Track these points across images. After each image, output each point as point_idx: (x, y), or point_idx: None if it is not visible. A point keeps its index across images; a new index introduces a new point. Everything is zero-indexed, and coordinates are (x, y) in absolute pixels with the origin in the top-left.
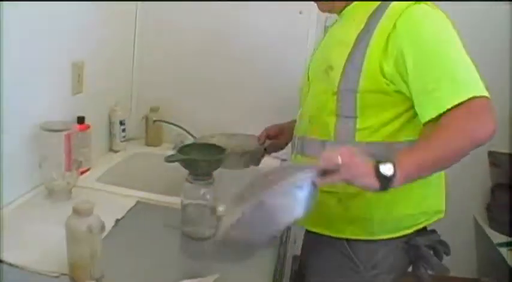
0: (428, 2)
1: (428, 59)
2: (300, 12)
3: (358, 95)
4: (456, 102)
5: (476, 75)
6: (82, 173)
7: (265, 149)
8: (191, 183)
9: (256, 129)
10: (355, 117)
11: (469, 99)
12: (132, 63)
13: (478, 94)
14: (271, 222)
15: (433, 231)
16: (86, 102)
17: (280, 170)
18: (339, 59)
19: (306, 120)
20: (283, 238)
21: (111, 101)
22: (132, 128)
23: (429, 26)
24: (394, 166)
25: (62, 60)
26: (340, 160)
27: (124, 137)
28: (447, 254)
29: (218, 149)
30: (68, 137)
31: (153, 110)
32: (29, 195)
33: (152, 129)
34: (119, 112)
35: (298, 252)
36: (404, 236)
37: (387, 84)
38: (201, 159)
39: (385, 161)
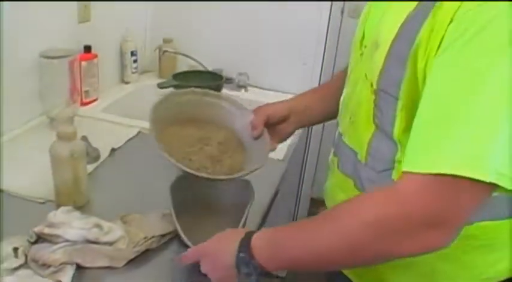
0: None
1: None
2: None
3: (399, 105)
4: (415, 170)
5: (488, 148)
6: (89, 103)
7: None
8: None
9: (269, 62)
10: (394, 141)
11: (439, 176)
12: None
13: (457, 172)
14: None
15: None
16: (94, 32)
17: None
18: (387, 34)
19: (348, 114)
20: (300, 181)
21: (123, 32)
22: (146, 61)
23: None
24: (256, 269)
25: None
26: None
27: (136, 68)
28: None
29: (215, 77)
30: (72, 64)
31: (166, 41)
32: (30, 125)
33: (165, 61)
34: (130, 42)
35: (315, 194)
36: None
37: None
38: (194, 85)
39: (246, 263)
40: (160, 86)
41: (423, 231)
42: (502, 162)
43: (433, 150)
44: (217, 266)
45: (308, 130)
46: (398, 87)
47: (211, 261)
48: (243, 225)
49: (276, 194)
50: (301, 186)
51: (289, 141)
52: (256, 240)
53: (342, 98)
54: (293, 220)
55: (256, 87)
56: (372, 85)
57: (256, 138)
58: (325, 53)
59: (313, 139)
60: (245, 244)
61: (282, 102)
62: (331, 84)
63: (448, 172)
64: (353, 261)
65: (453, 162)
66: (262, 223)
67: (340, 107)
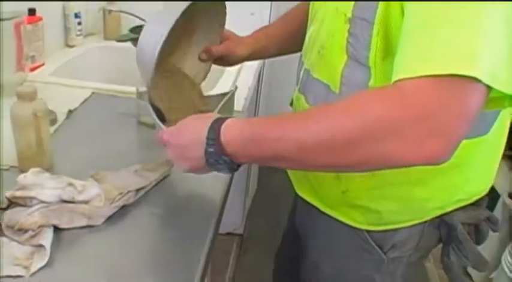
0: None
1: None
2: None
3: (374, 29)
4: (409, 75)
5: (488, 52)
6: (36, 68)
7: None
8: None
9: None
10: (368, 67)
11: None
12: None
13: (467, 73)
14: None
15: (479, 205)
16: None
17: None
18: None
19: (315, 48)
20: None
21: None
22: (90, 23)
23: None
24: (231, 164)
25: None
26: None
27: (80, 30)
28: (494, 230)
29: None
30: (18, 28)
31: (110, 0)
32: None
33: (110, 22)
34: (72, 4)
35: None
36: (431, 219)
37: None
38: None
39: (216, 158)
40: (119, 39)
41: (425, 137)
42: (495, 64)
43: (425, 53)
44: (185, 157)
45: (259, 80)
46: (374, 12)
47: (179, 151)
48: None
49: None
50: None
51: (245, 94)
52: (227, 134)
53: (307, 36)
54: (247, 180)
55: None
56: (345, 15)
57: (201, 59)
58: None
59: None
60: (213, 137)
61: (247, 43)
62: (289, 20)
63: (444, 72)
64: (339, 161)
65: (447, 62)
66: (230, 183)
67: (306, 44)
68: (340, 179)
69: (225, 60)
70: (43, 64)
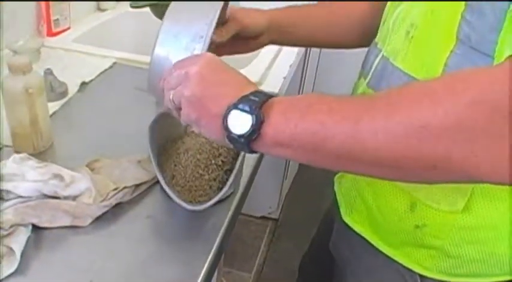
0: None
1: None
2: None
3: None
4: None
5: None
6: (59, 33)
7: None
8: None
9: None
10: (492, 58)
11: None
12: None
13: None
14: None
15: None
16: None
17: None
18: None
19: (402, 29)
20: None
21: None
22: None
23: None
24: (258, 118)
25: None
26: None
27: None
28: None
29: None
30: None
31: None
32: None
33: None
34: None
35: None
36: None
37: None
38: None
39: (251, 104)
40: (133, 5)
41: None
42: None
43: None
44: (207, 96)
45: (305, 60)
46: None
47: (203, 86)
48: (236, 174)
49: None
50: None
51: (285, 72)
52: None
53: (391, 20)
54: (287, 163)
55: None
56: None
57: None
58: None
59: (308, 70)
60: (260, 92)
61: (262, 12)
62: (320, 7)
63: None
64: (401, 163)
65: None
66: (258, 165)
67: (389, 28)
68: (415, 209)
69: (247, 41)
70: (68, 28)
